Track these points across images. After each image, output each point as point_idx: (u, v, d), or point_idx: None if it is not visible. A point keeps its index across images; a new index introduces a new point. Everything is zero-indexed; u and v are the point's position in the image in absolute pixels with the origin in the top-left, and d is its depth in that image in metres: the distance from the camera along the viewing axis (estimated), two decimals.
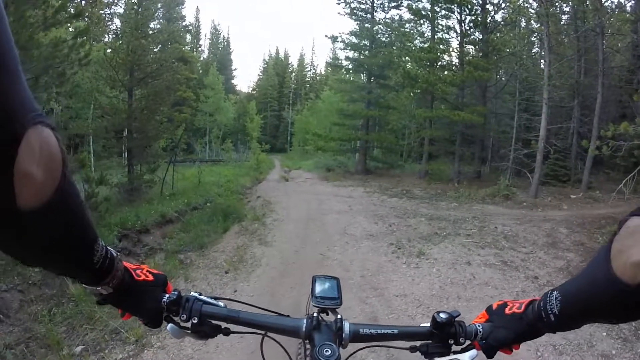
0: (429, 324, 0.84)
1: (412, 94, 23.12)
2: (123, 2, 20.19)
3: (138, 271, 0.83)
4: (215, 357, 3.62)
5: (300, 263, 6.20)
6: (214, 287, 5.13)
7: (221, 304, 0.89)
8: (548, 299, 0.71)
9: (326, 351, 0.76)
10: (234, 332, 0.90)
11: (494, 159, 19.86)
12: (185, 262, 6.40)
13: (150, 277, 0.85)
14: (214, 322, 0.87)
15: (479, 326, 0.82)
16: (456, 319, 0.83)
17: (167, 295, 0.85)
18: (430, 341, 0.85)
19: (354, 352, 0.95)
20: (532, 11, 16.28)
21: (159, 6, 19.93)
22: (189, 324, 0.84)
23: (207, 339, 0.88)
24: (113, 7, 21.78)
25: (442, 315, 0.82)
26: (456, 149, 17.77)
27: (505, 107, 20.61)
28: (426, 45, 19.61)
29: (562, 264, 5.87)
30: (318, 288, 0.94)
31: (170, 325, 0.85)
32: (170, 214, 10.20)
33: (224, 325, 0.88)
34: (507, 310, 0.80)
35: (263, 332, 0.92)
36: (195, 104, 35.88)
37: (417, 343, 0.87)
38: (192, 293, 0.87)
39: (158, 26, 20.25)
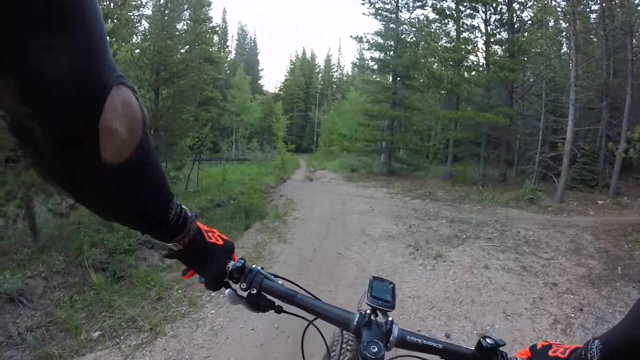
0: (473, 347, 0.84)
1: (437, 95, 22.92)
2: (151, 4, 20.56)
3: (210, 234, 0.86)
4: (224, 348, 3.69)
5: (317, 261, 6.27)
6: None
7: (280, 281, 0.90)
8: (589, 348, 0.71)
9: (373, 348, 0.76)
10: (285, 312, 0.91)
11: (520, 162, 19.34)
12: None
13: (220, 242, 0.88)
14: (269, 297, 0.88)
15: None
16: (500, 348, 0.82)
17: (232, 262, 0.87)
18: None
19: (392, 358, 0.96)
20: (560, 9, 15.91)
21: (185, 8, 20.19)
22: (245, 294, 0.86)
23: (258, 311, 0.90)
24: (141, 9, 22.18)
25: (489, 340, 0.81)
26: (481, 151, 17.46)
27: (532, 108, 20.03)
28: (451, 45, 19.39)
29: (584, 271, 5.74)
30: (375, 289, 0.92)
31: (229, 290, 0.88)
32: (193, 210, 10.36)
33: (277, 302, 0.90)
34: (550, 353, 0.80)
35: (312, 317, 0.93)
36: (222, 103, 36.29)
37: None
38: (254, 266, 0.89)
39: (185, 27, 20.53)
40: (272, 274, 0.91)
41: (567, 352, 0.77)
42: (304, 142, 54.77)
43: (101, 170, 0.44)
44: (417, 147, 23.68)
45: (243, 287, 0.86)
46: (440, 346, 0.83)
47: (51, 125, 0.37)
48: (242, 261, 0.88)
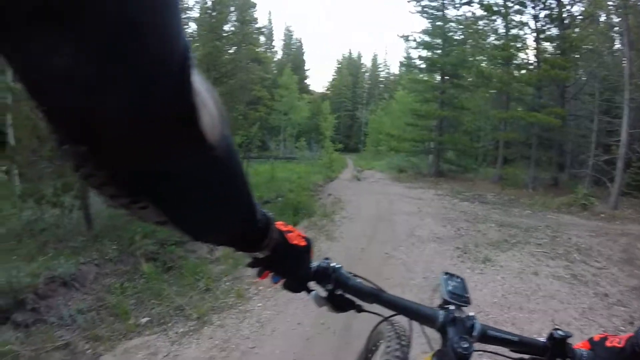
0: (544, 339, 0.88)
1: (486, 94, 22.49)
2: (198, 6, 21.17)
3: (289, 234, 0.80)
4: (270, 340, 3.81)
5: (365, 260, 6.37)
6: None
7: (358, 280, 0.92)
8: (639, 334, 0.78)
9: (464, 344, 0.78)
10: (364, 311, 0.94)
11: (572, 165, 18.55)
12: None
13: (303, 242, 0.83)
14: (347, 295, 0.90)
15: (583, 352, 0.86)
16: (567, 340, 0.87)
17: (317, 263, 0.87)
18: (539, 356, 0.89)
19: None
20: (610, 3, 15.25)
21: (232, 9, 20.63)
22: (325, 294, 0.88)
23: (339, 311, 0.91)
24: (189, 11, 22.94)
25: (560, 332, 0.86)
26: (532, 153, 16.95)
27: (585, 108, 19.12)
28: (500, 43, 18.99)
29: (636, 283, 5.58)
30: (450, 284, 0.93)
31: (314, 293, 0.88)
32: None
33: (357, 301, 0.92)
34: (607, 343, 0.85)
35: (394, 313, 0.95)
36: (270, 103, 36.87)
37: (526, 356, 0.91)
38: (335, 264, 0.90)
39: (232, 28, 21.05)
40: (349, 272, 0.93)
41: (623, 341, 0.83)
42: (351, 142, 54.78)
43: (204, 149, 0.37)
44: (466, 148, 23.13)
45: (329, 287, 0.87)
46: (516, 339, 0.88)
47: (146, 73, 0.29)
48: (327, 261, 0.89)
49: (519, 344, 0.88)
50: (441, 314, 0.86)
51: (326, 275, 0.88)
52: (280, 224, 0.79)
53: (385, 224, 9.08)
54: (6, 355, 3.73)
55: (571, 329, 3.59)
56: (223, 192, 0.48)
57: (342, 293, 0.89)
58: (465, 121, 23.94)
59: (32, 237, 7.33)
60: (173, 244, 7.33)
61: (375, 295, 0.90)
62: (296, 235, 0.83)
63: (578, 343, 0.90)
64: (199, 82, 0.35)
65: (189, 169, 0.39)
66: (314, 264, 0.88)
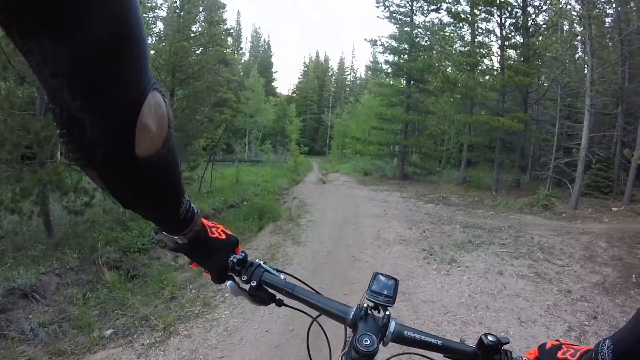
0: (474, 345, 0.80)
1: (451, 99, 22.87)
2: (166, 6, 20.78)
3: (213, 229, 0.90)
4: (238, 349, 3.72)
5: (331, 264, 6.31)
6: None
7: (282, 276, 0.92)
8: (600, 349, 0.67)
9: (365, 341, 0.74)
10: (285, 305, 0.93)
11: (534, 168, 19.15)
12: None
13: (223, 236, 0.91)
14: (270, 290, 0.91)
15: None
16: (504, 346, 0.78)
17: (234, 255, 0.90)
18: None
19: (390, 358, 0.95)
20: (575, 13, 15.75)
21: (201, 10, 20.36)
22: (247, 287, 0.89)
23: (260, 304, 0.93)
24: (156, 10, 22.49)
25: (490, 338, 0.77)
26: (495, 156, 17.36)
27: (547, 113, 19.70)
28: (466, 49, 19.36)
29: (598, 279, 5.72)
30: (376, 284, 0.90)
31: (230, 282, 0.90)
32: (206, 211, 10.49)
33: (278, 295, 0.92)
34: (559, 355, 0.75)
35: (313, 312, 0.93)
36: (236, 105, 36.51)
37: None
38: (257, 260, 0.92)
39: (200, 29, 20.76)
40: (275, 269, 0.93)
41: (578, 354, 0.73)
42: (316, 145, 54.88)
43: (134, 160, 0.50)
44: (430, 151, 23.63)
45: (244, 279, 0.89)
46: (440, 343, 0.80)
47: (100, 118, 0.44)
48: (243, 254, 0.91)
49: (443, 349, 0.81)
50: (352, 310, 0.84)
51: (242, 267, 0.90)
52: (206, 221, 0.88)
53: (351, 227, 9.04)
54: None
55: (537, 326, 3.59)
56: (150, 188, 0.59)
57: (259, 285, 0.89)
58: (430, 125, 24.30)
59: None
60: (137, 252, 7.12)
61: (288, 290, 0.89)
62: (219, 230, 0.92)
63: (530, 350, 0.81)
64: (153, 105, 0.48)
65: (123, 168, 0.51)
66: (233, 257, 0.90)
